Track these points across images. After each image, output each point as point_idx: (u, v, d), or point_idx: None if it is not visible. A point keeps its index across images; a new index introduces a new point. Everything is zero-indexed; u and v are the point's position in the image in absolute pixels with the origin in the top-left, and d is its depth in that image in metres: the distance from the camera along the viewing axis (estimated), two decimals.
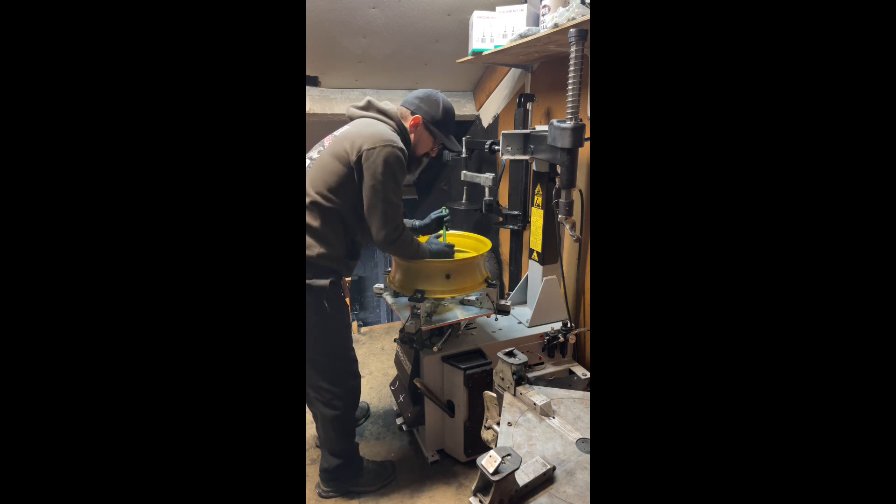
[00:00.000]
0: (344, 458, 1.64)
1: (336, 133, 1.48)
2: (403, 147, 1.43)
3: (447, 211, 1.86)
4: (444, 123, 1.54)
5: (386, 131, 1.42)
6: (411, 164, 1.55)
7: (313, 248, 1.41)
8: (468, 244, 2.00)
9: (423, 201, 3.70)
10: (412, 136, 1.52)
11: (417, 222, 1.83)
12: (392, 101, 1.55)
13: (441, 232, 1.88)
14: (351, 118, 1.54)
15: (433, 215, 1.85)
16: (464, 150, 2.44)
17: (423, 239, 1.70)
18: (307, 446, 1.93)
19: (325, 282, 1.40)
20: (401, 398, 1.92)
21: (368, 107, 1.53)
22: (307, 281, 1.41)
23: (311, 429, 2.03)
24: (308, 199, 1.40)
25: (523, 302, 2.15)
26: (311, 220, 1.40)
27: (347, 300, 1.63)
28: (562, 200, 1.45)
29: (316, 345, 1.47)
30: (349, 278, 1.64)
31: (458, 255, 1.89)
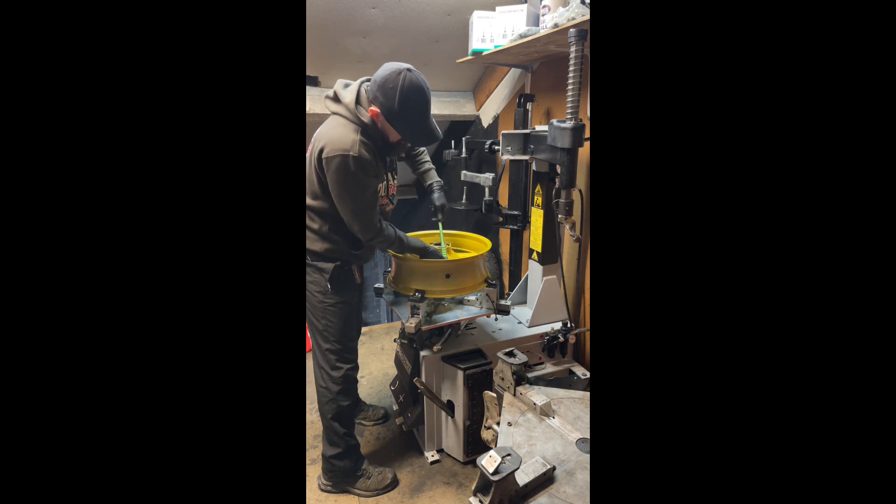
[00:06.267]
0: (340, 447, 1.65)
1: (313, 137, 1.47)
2: (360, 150, 1.34)
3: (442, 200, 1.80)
4: (403, 117, 1.35)
5: (342, 135, 1.36)
6: (388, 150, 1.48)
7: (318, 244, 1.52)
8: (468, 244, 2.00)
9: (424, 200, 3.70)
10: (378, 124, 1.40)
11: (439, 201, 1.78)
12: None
13: (440, 241, 1.87)
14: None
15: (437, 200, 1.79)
16: (464, 150, 2.44)
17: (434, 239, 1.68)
18: (307, 446, 1.93)
19: (329, 265, 1.52)
20: (401, 398, 1.91)
21: (336, 99, 1.44)
22: (316, 263, 1.53)
23: (311, 429, 2.04)
24: (306, 204, 1.51)
25: (523, 302, 2.14)
26: (311, 222, 1.52)
27: (358, 279, 1.63)
28: (562, 200, 1.45)
29: (320, 323, 1.56)
30: (360, 264, 1.64)
31: (458, 256, 1.89)
